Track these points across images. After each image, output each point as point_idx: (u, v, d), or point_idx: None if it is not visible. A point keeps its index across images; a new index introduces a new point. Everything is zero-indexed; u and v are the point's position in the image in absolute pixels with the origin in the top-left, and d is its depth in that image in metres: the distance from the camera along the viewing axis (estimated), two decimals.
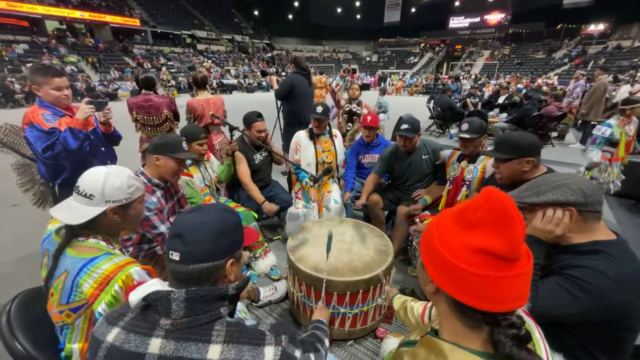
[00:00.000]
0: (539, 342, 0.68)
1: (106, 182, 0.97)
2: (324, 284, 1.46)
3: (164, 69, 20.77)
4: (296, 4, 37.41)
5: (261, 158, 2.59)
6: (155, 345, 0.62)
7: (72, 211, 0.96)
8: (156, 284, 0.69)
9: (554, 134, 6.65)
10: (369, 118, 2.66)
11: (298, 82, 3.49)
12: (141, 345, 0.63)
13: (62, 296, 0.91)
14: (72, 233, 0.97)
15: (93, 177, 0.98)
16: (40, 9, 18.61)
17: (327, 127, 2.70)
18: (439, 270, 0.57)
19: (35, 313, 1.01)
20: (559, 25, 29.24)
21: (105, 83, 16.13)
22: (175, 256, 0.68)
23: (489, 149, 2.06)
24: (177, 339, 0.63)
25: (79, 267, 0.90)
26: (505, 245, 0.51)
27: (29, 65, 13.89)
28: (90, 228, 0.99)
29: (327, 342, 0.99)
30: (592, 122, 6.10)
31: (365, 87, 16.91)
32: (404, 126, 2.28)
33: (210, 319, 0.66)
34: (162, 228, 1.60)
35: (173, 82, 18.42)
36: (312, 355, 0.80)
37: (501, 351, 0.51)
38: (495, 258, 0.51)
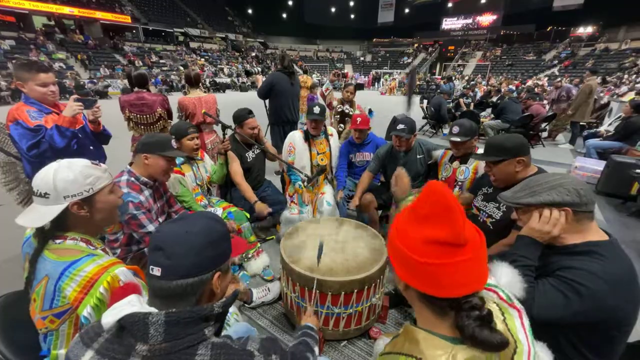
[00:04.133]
0: (519, 330, 0.68)
1: (57, 177, 0.90)
2: (315, 287, 1.44)
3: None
4: (290, 3, 37.29)
5: (253, 156, 2.56)
6: None
7: (33, 213, 0.91)
8: (134, 302, 0.63)
9: (544, 134, 6.76)
10: (358, 120, 2.63)
11: (278, 80, 3.49)
12: None
13: (45, 301, 0.87)
14: (44, 236, 0.92)
15: (44, 175, 0.91)
16: (28, 4, 18.14)
17: (323, 127, 2.68)
18: (403, 267, 0.62)
19: (17, 317, 0.97)
20: (549, 28, 29.77)
21: (95, 80, 15.82)
22: (157, 271, 0.62)
23: (480, 149, 2.09)
24: None
25: (60, 271, 0.86)
26: (450, 232, 0.56)
27: (14, 62, 13.57)
28: (63, 229, 0.95)
29: (317, 350, 0.97)
30: (580, 123, 6.23)
31: (359, 87, 16.97)
32: (400, 126, 2.27)
33: (193, 343, 0.60)
34: (150, 227, 1.56)
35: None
36: None
37: (466, 334, 0.56)
38: (444, 245, 0.56)
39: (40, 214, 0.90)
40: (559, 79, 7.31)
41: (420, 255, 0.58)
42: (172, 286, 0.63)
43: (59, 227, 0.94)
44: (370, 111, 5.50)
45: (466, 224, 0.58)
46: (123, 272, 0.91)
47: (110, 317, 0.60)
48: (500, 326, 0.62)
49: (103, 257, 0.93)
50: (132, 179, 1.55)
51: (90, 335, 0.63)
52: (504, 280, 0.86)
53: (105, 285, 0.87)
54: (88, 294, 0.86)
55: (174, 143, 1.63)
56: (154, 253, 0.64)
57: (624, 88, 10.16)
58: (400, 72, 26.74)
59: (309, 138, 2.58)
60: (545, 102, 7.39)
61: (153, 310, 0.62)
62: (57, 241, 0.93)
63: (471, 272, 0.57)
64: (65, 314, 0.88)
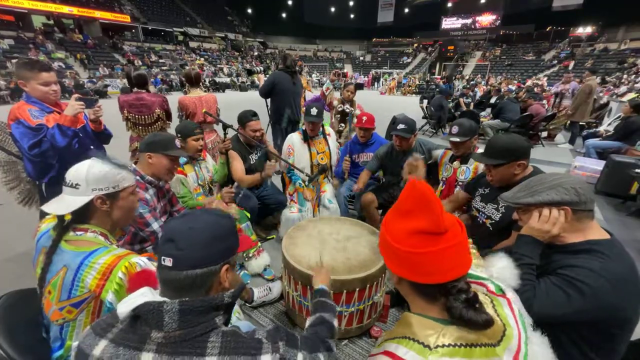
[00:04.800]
0: (508, 316, 0.70)
1: (90, 170, 0.98)
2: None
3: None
4: (290, 2, 37.23)
5: (256, 158, 2.57)
6: None
7: (60, 202, 0.97)
8: (147, 294, 0.66)
9: (544, 134, 6.77)
10: (364, 118, 2.66)
11: (280, 79, 3.51)
12: None
13: (63, 292, 0.90)
14: (64, 226, 0.96)
15: (78, 167, 0.99)
16: (27, 3, 18.08)
17: (321, 128, 2.68)
18: (393, 260, 0.68)
19: (19, 316, 0.98)
20: (549, 28, 29.78)
21: (95, 80, 15.79)
22: (168, 262, 0.65)
23: (480, 149, 2.09)
24: (170, 353, 0.60)
25: (79, 261, 0.90)
26: (430, 221, 0.61)
27: (14, 61, 13.54)
28: (83, 221, 1.00)
29: (336, 323, 0.94)
30: (579, 123, 6.24)
31: (359, 86, 16.97)
32: (401, 126, 2.28)
33: (205, 330, 0.63)
34: (155, 225, 1.57)
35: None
36: (321, 355, 0.75)
37: (454, 315, 0.61)
38: (427, 235, 0.62)
39: (67, 203, 0.96)
40: (572, 73, 7.25)
41: (407, 246, 0.63)
42: (182, 277, 0.65)
43: (80, 219, 0.99)
44: None
45: (445, 214, 0.63)
46: (140, 259, 0.96)
47: (124, 307, 0.63)
48: (490, 311, 0.66)
49: (117, 249, 0.98)
50: (138, 177, 1.56)
51: (103, 326, 0.65)
52: (500, 264, 0.92)
53: (123, 270, 0.91)
54: (108, 280, 0.90)
55: (177, 142, 1.64)
56: (166, 244, 0.67)
57: (623, 88, 10.18)
58: (399, 72, 26.79)
59: (307, 138, 2.59)
60: (544, 101, 7.40)
61: (167, 299, 0.64)
62: (78, 233, 0.98)
63: (454, 258, 0.62)
64: (84, 303, 0.91)
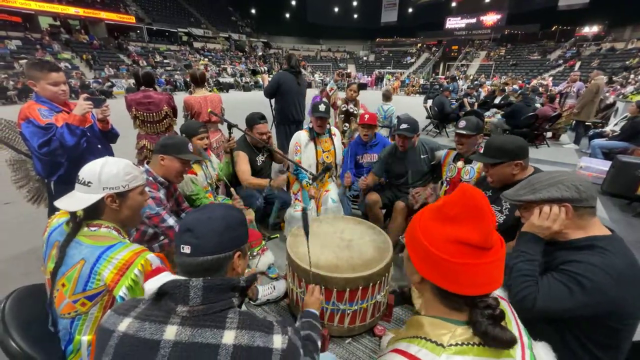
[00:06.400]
0: (512, 322, 0.70)
1: (103, 169, 1.01)
2: (311, 280, 1.46)
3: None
4: (293, 3, 37.30)
5: (263, 159, 2.60)
6: (171, 332, 0.65)
7: (72, 199, 1.00)
8: (169, 276, 0.72)
9: (549, 134, 6.72)
10: (366, 116, 2.67)
11: (284, 79, 3.52)
12: (156, 332, 0.65)
13: (78, 284, 0.92)
14: (77, 222, 0.99)
15: (92, 166, 1.02)
16: (34, 5, 18.30)
17: (327, 126, 2.70)
18: (423, 261, 0.63)
19: (31, 311, 1.00)
20: (554, 27, 29.53)
21: (100, 80, 15.93)
22: (187, 249, 0.71)
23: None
24: (193, 325, 0.65)
25: (97, 255, 0.93)
26: (480, 235, 0.57)
27: (21, 61, 13.71)
28: (95, 217, 1.03)
29: (319, 343, 1.02)
30: (585, 123, 6.18)
31: (362, 86, 16.95)
32: (404, 126, 2.29)
33: (224, 307, 0.70)
34: (171, 221, 1.62)
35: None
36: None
37: (478, 329, 0.58)
38: (471, 247, 0.57)
39: (79, 200, 0.99)
40: (578, 72, 7.17)
41: (444, 252, 0.59)
42: (199, 261, 0.72)
43: (91, 215, 1.02)
44: None
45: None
46: (153, 258, 0.99)
47: (152, 284, 0.69)
48: None
49: (133, 245, 1.01)
50: (150, 178, 1.60)
51: (126, 307, 0.70)
52: None
53: (139, 267, 0.94)
54: (124, 276, 0.93)
55: (190, 146, 1.68)
56: (184, 234, 0.73)
57: (630, 88, 10.08)
58: (402, 72, 26.74)
59: (314, 136, 2.60)
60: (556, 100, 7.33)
61: (192, 278, 0.70)
62: (92, 228, 1.01)
63: (491, 274, 0.59)
64: (98, 296, 0.94)
